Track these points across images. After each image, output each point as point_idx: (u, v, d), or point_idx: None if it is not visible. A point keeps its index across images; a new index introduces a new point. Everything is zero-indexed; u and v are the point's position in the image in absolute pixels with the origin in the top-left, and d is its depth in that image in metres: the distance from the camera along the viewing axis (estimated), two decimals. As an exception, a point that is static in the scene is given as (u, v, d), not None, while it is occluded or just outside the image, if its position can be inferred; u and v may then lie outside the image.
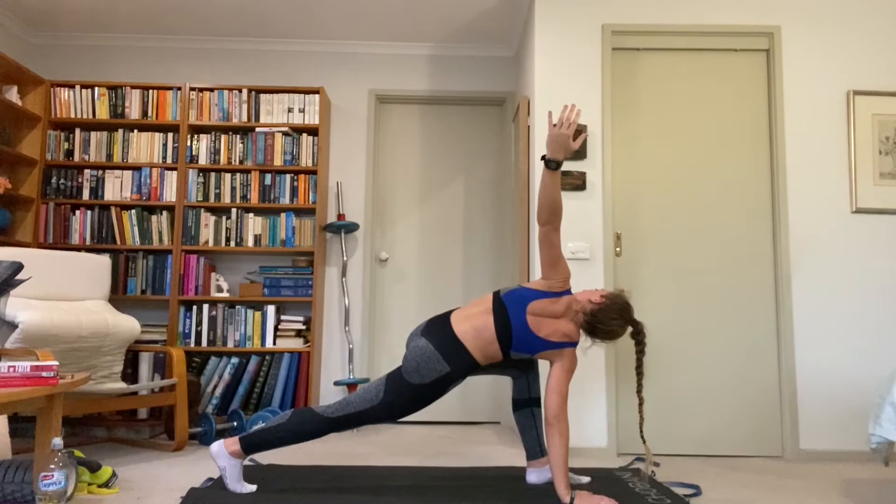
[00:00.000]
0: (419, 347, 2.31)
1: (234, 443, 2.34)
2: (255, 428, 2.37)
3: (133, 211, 4.00)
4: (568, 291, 2.36)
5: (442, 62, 4.48)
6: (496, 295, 2.38)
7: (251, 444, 2.33)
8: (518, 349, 2.34)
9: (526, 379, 2.63)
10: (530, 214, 3.60)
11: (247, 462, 2.91)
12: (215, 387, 3.85)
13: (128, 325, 3.32)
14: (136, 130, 4.08)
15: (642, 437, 2.41)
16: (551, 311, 2.32)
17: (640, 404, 2.36)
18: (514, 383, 2.66)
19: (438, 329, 2.34)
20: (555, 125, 2.22)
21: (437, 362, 2.28)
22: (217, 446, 2.35)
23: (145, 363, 3.79)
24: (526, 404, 2.62)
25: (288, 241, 4.02)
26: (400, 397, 2.31)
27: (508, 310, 2.32)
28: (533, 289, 2.35)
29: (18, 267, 2.41)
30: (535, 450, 2.61)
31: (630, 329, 2.38)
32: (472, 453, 3.28)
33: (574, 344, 2.34)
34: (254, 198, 4.04)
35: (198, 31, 4.33)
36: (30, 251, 3.19)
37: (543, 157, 2.24)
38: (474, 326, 2.32)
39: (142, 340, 3.90)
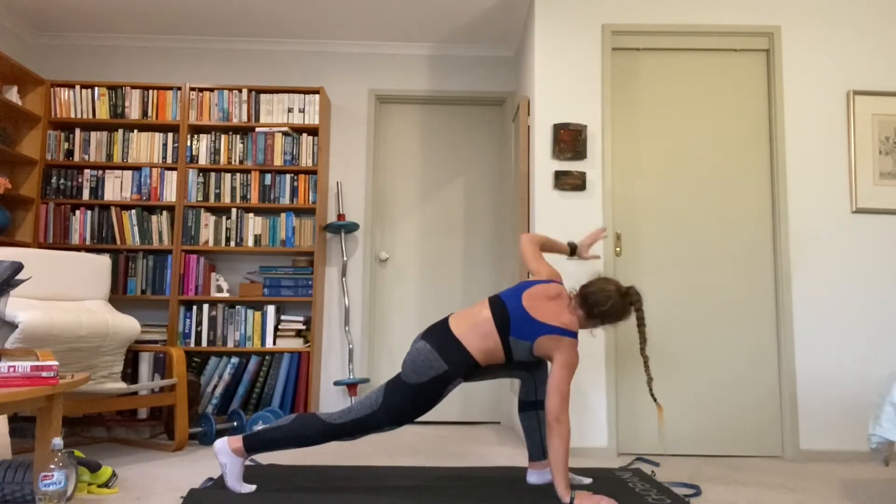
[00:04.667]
0: (416, 348, 2.36)
1: (237, 440, 2.36)
2: (260, 428, 2.38)
3: (133, 211, 4.00)
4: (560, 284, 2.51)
5: (442, 62, 4.48)
6: (494, 295, 2.47)
7: (254, 444, 2.34)
8: (517, 334, 2.33)
9: (534, 381, 2.63)
10: (530, 214, 3.60)
11: (247, 462, 2.91)
12: (215, 387, 3.85)
13: (128, 325, 3.32)
14: (136, 130, 4.08)
15: (653, 396, 2.41)
16: (546, 293, 2.41)
17: (646, 362, 2.40)
18: (521, 385, 2.66)
19: (436, 330, 2.39)
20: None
21: (434, 360, 2.30)
22: (220, 443, 2.37)
23: (145, 363, 3.79)
24: (532, 406, 2.62)
25: (288, 241, 4.02)
26: (399, 400, 2.31)
27: (505, 301, 2.40)
28: (529, 280, 2.47)
29: (18, 267, 2.42)
30: (538, 452, 2.60)
31: (626, 298, 2.41)
32: (472, 453, 3.28)
33: (572, 334, 2.33)
34: (254, 198, 4.04)
35: (198, 31, 4.33)
36: (30, 251, 3.19)
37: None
38: (472, 322, 2.37)
39: (142, 340, 3.90)
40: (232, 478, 2.35)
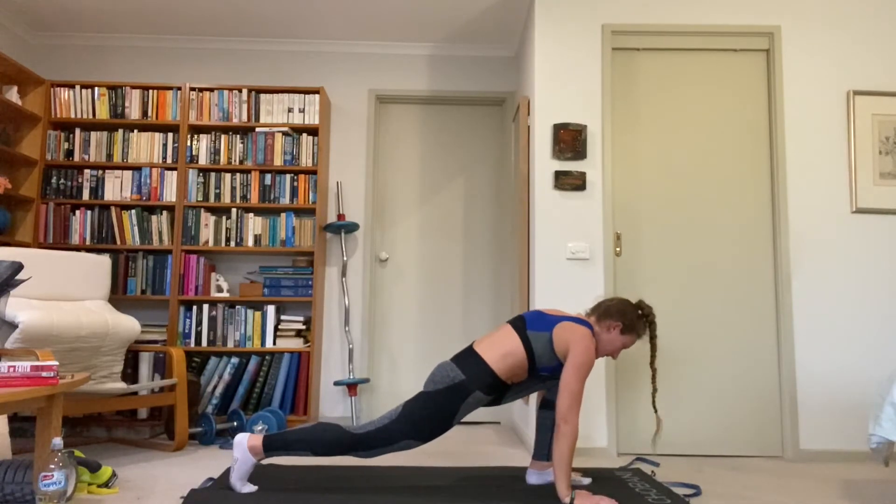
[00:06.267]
0: (439, 365, 2.45)
1: (256, 438, 2.37)
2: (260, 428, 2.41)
3: (133, 211, 4.00)
4: None
5: (442, 62, 4.48)
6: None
7: (272, 443, 2.35)
8: (534, 327, 2.40)
9: None
10: (530, 214, 3.60)
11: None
12: (215, 387, 3.85)
13: (128, 325, 3.32)
14: (136, 130, 4.08)
15: (654, 408, 2.59)
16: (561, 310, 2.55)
17: (654, 374, 2.50)
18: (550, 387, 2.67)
19: (461, 351, 2.48)
20: None
21: (451, 370, 2.38)
22: (240, 437, 2.38)
23: (145, 363, 3.79)
24: (553, 406, 2.63)
25: (288, 241, 4.02)
26: (415, 408, 2.34)
27: (522, 313, 2.56)
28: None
29: (18, 267, 2.42)
30: (543, 452, 2.61)
31: (637, 309, 2.51)
32: (472, 453, 3.28)
33: (587, 325, 2.41)
34: (254, 198, 4.04)
35: (198, 31, 4.33)
36: (30, 251, 3.19)
37: None
38: (492, 337, 2.46)
39: (142, 340, 3.90)
40: (236, 475, 2.35)
